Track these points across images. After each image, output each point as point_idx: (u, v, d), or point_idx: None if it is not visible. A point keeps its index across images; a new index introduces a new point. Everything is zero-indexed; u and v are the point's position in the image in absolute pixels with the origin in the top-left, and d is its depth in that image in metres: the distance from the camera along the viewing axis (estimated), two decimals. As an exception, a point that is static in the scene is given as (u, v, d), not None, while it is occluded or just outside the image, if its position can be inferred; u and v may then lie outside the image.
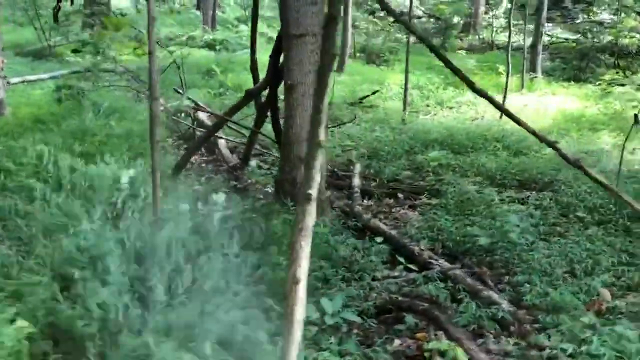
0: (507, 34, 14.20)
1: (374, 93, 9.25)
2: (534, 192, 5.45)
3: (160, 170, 3.31)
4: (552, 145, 3.77)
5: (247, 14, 15.81)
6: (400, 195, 5.59)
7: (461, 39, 18.47)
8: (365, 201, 5.44)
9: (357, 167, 5.99)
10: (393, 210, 5.32)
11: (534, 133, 3.82)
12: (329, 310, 3.14)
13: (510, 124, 8.19)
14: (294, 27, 4.43)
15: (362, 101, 9.15)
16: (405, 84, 8.49)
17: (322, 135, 1.56)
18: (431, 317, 3.29)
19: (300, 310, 1.58)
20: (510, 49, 9.28)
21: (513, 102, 9.67)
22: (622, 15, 11.58)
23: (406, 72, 8.46)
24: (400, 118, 8.47)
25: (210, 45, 14.00)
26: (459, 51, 16.47)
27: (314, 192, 1.56)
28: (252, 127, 5.46)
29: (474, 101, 9.84)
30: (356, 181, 5.55)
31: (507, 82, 8.84)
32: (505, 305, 3.42)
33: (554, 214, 4.77)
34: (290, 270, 1.59)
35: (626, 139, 4.91)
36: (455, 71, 4.17)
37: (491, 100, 3.89)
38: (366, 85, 10.51)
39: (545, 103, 9.74)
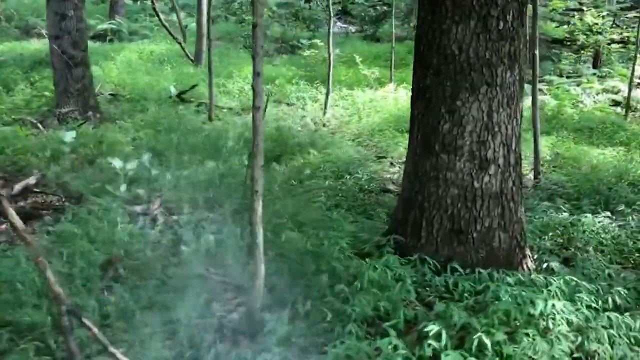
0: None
1: (192, 87, 8.16)
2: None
3: None
4: None
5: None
6: (50, 218, 4.50)
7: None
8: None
9: (30, 180, 4.97)
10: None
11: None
12: None
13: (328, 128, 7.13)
14: None
15: (180, 96, 8.05)
16: (210, 77, 7.37)
17: None
18: None
19: None
20: (331, 36, 8.01)
21: (377, 97, 8.70)
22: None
23: (209, 65, 7.34)
24: (207, 117, 7.39)
25: (100, 36, 13.10)
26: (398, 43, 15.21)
27: None
28: None
29: (319, 98, 8.65)
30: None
31: (329, 72, 7.65)
32: None
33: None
34: None
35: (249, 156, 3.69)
36: None
37: None
38: (220, 78, 9.32)
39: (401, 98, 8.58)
